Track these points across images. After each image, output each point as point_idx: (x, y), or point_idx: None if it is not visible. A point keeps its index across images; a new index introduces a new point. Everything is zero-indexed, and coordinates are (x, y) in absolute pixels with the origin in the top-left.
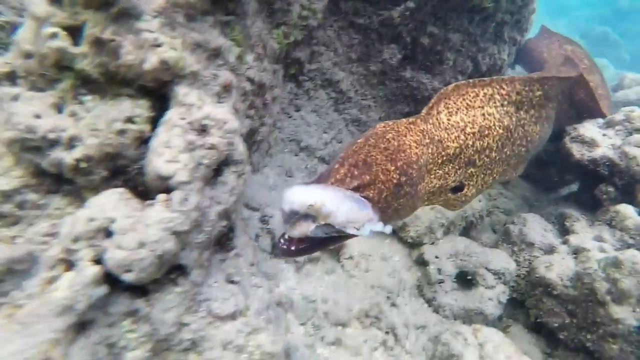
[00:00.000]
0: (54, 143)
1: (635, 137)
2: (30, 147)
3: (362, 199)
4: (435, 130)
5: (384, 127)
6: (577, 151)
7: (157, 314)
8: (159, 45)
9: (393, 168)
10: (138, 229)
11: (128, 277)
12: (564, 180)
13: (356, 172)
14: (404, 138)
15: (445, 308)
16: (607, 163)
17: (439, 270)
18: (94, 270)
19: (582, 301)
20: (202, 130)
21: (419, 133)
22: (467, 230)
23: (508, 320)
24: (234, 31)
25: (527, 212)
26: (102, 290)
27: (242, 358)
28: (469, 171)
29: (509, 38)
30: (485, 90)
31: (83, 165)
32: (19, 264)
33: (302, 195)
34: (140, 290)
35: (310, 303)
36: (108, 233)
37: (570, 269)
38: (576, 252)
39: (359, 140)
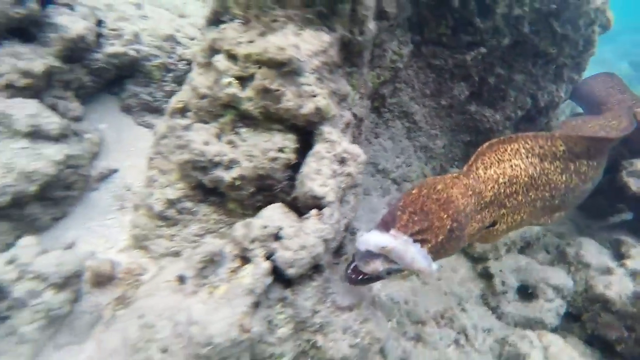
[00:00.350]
0: (217, 164)
1: None
2: (199, 167)
3: (419, 245)
4: (476, 184)
5: (433, 180)
6: (634, 185)
7: (300, 302)
8: (314, 96)
9: (445, 216)
10: (300, 236)
11: (290, 272)
12: (614, 209)
13: (416, 219)
14: (452, 190)
15: (507, 316)
16: None
17: (503, 283)
18: (266, 265)
19: None
20: (342, 161)
21: (463, 187)
22: (523, 249)
23: (563, 332)
24: (353, 79)
25: (577, 236)
26: (269, 280)
27: (356, 341)
28: (501, 212)
29: (568, 78)
30: (512, 146)
31: (237, 182)
32: (217, 256)
33: (377, 239)
34: (287, 282)
35: (394, 303)
36: (276, 237)
37: (628, 288)
38: (634, 274)
39: (413, 192)
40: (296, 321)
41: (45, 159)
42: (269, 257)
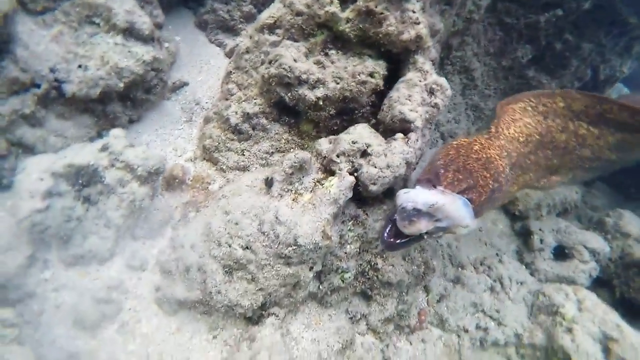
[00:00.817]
0: (303, 82)
1: None
2: (285, 83)
3: (467, 201)
4: (507, 144)
5: (467, 141)
6: None
7: (370, 222)
8: (417, 23)
9: (488, 176)
10: (388, 155)
11: (373, 188)
12: (632, 197)
13: (460, 177)
14: (489, 151)
15: (541, 272)
16: None
17: (541, 241)
18: (350, 179)
19: None
20: (431, 92)
21: (497, 148)
22: (560, 215)
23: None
24: (445, 17)
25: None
26: (350, 194)
27: (413, 268)
28: (519, 172)
29: (636, 53)
30: (519, 105)
31: (320, 102)
32: (306, 164)
33: (426, 196)
34: (360, 202)
35: (439, 245)
36: (363, 154)
37: None
38: None
39: (450, 151)
40: (362, 240)
41: (135, 57)
42: (353, 172)
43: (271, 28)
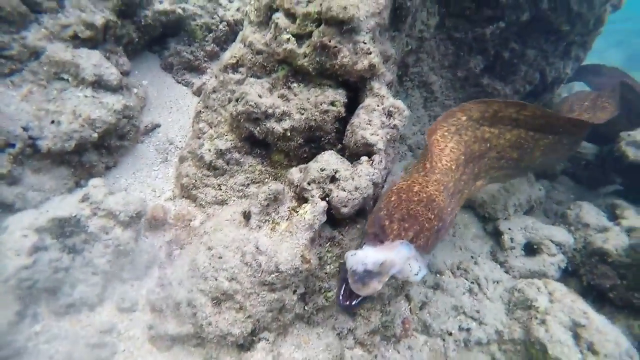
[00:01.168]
0: (270, 116)
1: None
2: (253, 118)
3: (413, 249)
4: (443, 177)
5: (405, 184)
6: (632, 153)
7: (346, 242)
8: (369, 53)
9: (433, 217)
10: (355, 178)
11: (345, 211)
12: (608, 179)
13: (407, 225)
14: (428, 189)
15: (514, 269)
16: None
17: (512, 239)
18: (323, 204)
19: (633, 266)
20: (389, 114)
21: (435, 183)
22: (527, 213)
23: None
24: (395, 42)
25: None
26: (324, 218)
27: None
28: (457, 198)
29: (575, 56)
30: (439, 133)
31: (288, 133)
32: (280, 194)
33: (373, 256)
34: (334, 224)
35: None
36: (332, 179)
37: (624, 242)
38: (629, 230)
39: (391, 198)
40: (341, 260)
41: (106, 107)
42: (324, 197)
43: (234, 67)
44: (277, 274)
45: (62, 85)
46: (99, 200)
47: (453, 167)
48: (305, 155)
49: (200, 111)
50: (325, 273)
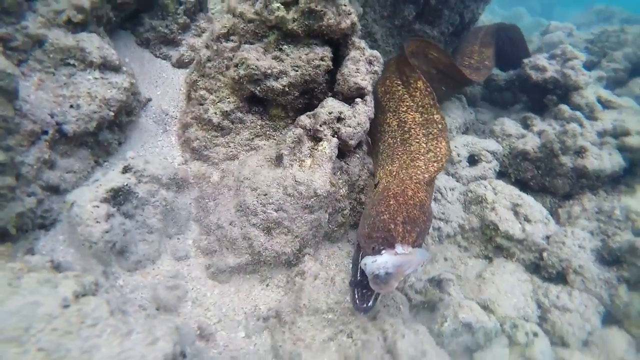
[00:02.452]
0: (269, 76)
1: (569, 63)
2: (255, 79)
3: (422, 251)
4: (424, 177)
5: (399, 188)
6: (534, 75)
7: (351, 169)
8: (350, 13)
9: (426, 219)
10: (356, 116)
11: (352, 142)
12: (517, 100)
13: (409, 228)
14: (420, 194)
15: (463, 178)
16: (553, 81)
17: (458, 155)
18: (336, 140)
19: (545, 158)
20: (370, 62)
21: (421, 186)
22: (465, 133)
23: None
24: (359, 2)
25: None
26: (337, 151)
27: None
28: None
29: None
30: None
31: (286, 89)
32: (302, 137)
33: (393, 260)
34: (341, 155)
35: None
36: (338, 119)
37: (537, 142)
38: (539, 133)
39: (390, 202)
40: (348, 184)
41: (116, 87)
42: (334, 135)
43: (226, 36)
44: (315, 198)
45: (69, 71)
46: (142, 168)
47: (431, 158)
48: (300, 106)
49: (197, 80)
50: (341, 195)
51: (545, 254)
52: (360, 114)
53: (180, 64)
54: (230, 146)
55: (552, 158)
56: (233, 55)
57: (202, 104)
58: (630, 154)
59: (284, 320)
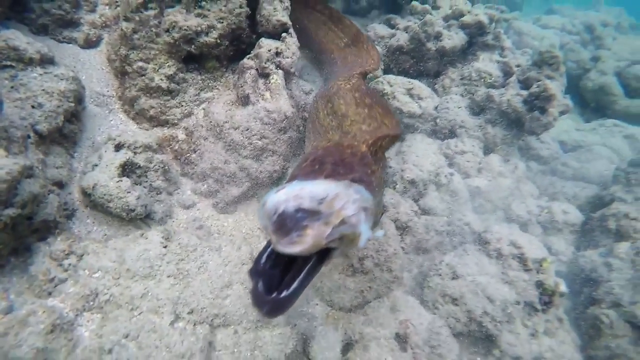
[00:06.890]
0: (200, 33)
1: None
2: (189, 39)
3: (364, 190)
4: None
5: (331, 144)
6: None
7: (294, 92)
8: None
9: (370, 172)
10: (289, 48)
11: (292, 70)
12: (372, 6)
13: (341, 171)
14: (361, 148)
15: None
16: None
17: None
18: (281, 71)
19: (415, 48)
20: (282, 0)
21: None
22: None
23: None
24: None
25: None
26: (284, 80)
27: None
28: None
29: None
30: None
31: (218, 41)
32: (254, 75)
33: (312, 186)
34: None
35: None
36: (277, 54)
37: (406, 37)
38: (405, 29)
39: (318, 152)
40: (297, 105)
41: (64, 78)
42: (277, 67)
43: (144, 5)
44: (286, 120)
45: (9, 73)
46: (133, 141)
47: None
48: (231, 53)
49: (128, 54)
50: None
51: (438, 120)
52: (291, 45)
53: (89, 44)
54: (182, 105)
55: (421, 46)
56: (159, 22)
57: (143, 75)
58: (468, 30)
59: None
